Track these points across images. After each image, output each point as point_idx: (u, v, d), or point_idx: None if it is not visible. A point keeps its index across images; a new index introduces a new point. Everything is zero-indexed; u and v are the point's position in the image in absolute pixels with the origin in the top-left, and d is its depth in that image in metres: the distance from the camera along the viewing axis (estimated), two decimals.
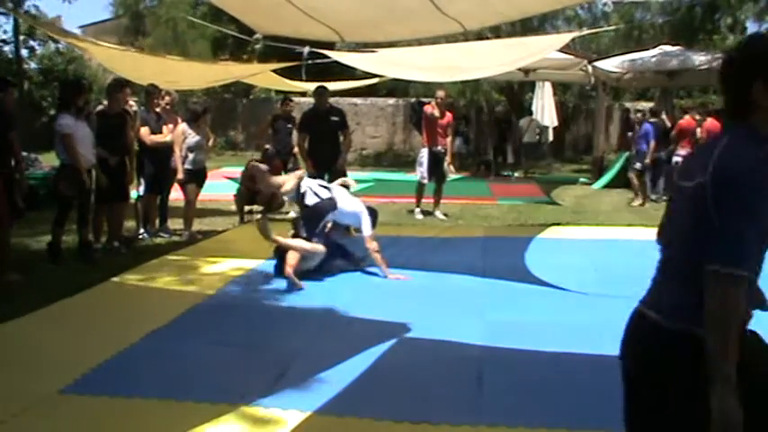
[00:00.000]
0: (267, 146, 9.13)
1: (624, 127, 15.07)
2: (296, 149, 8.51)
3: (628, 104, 18.61)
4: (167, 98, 7.46)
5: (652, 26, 17.01)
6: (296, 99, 11.21)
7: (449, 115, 9.09)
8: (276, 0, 5.18)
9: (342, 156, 7.87)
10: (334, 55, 6.80)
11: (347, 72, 9.02)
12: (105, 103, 6.86)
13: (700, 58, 12.77)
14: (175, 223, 7.57)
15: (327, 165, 7.69)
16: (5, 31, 21.04)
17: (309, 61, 7.33)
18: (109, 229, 6.63)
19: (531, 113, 16.30)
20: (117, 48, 7.71)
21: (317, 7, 5.36)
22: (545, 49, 7.29)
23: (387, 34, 6.12)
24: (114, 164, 6.45)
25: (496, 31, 13.40)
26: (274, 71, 10.96)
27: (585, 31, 12.77)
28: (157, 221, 7.47)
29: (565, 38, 8.20)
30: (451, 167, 9.30)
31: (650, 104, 17.41)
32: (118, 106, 6.58)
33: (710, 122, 11.14)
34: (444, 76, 7.94)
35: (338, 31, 5.97)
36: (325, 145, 7.72)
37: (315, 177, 7.68)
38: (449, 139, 9.12)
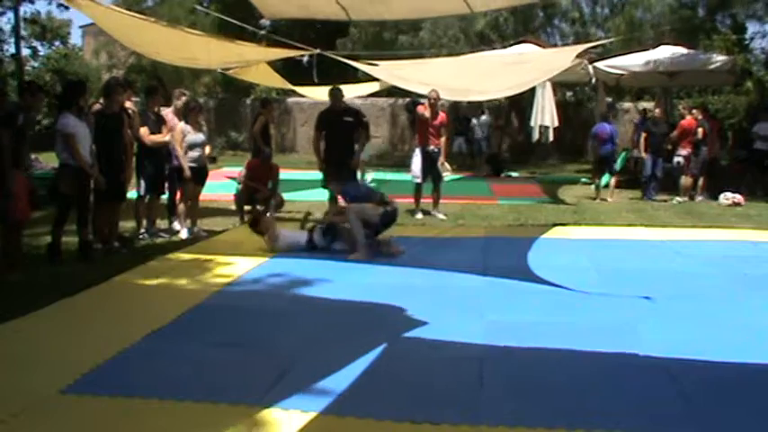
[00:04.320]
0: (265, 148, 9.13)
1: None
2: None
3: (627, 104, 18.61)
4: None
5: (653, 26, 17.01)
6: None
7: (442, 115, 9.07)
8: None
9: (356, 155, 8.02)
10: (342, 58, 6.86)
11: (355, 74, 9.14)
12: (101, 101, 6.81)
13: (700, 59, 12.77)
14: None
15: (341, 164, 7.78)
16: (2, 31, 21.04)
17: (319, 51, 7.33)
18: (107, 229, 6.62)
19: (483, 112, 16.48)
20: (138, 17, 7.52)
21: None
22: (553, 69, 7.30)
23: (393, 12, 6.19)
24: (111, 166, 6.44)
25: (498, 30, 13.40)
26: (284, 77, 11.15)
27: (591, 44, 12.65)
28: (163, 221, 7.48)
29: (571, 53, 8.19)
30: (446, 165, 9.30)
31: (652, 104, 17.44)
32: (116, 106, 6.57)
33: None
34: (451, 95, 7.95)
35: (345, 7, 5.96)
36: (339, 144, 7.87)
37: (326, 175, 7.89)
38: (443, 140, 9.10)
